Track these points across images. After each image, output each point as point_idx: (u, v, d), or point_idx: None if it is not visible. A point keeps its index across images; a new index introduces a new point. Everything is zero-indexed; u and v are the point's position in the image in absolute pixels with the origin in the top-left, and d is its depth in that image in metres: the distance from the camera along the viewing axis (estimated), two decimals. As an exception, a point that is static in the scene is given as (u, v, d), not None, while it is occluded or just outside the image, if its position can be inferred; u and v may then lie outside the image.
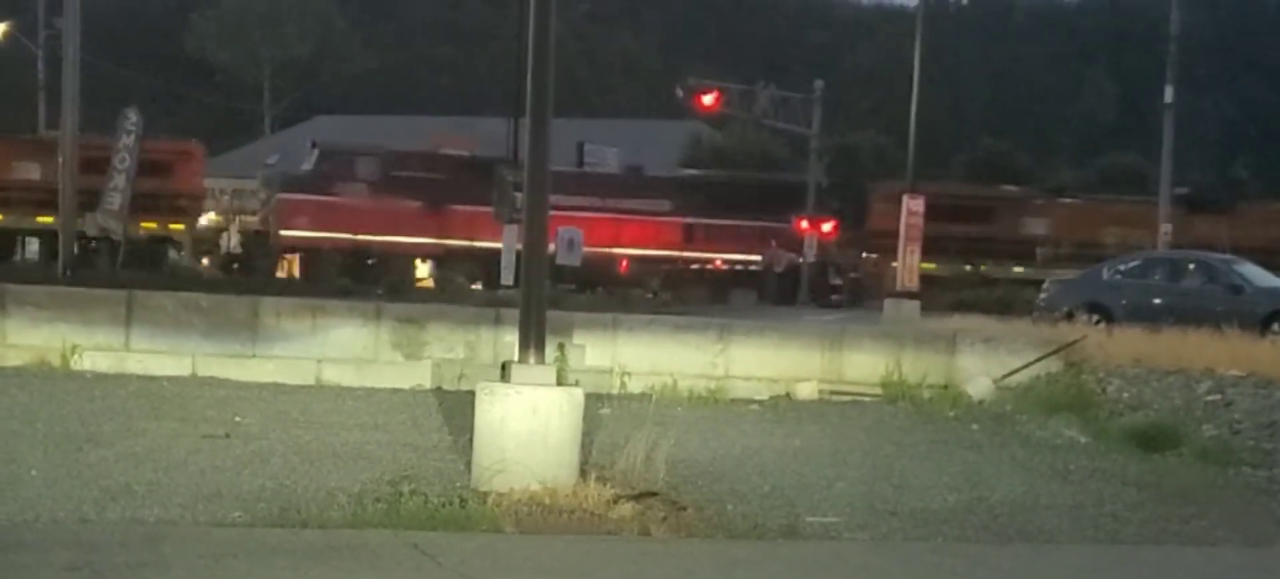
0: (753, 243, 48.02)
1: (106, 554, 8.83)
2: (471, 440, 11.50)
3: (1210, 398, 16.93)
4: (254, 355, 16.71)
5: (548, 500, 10.68)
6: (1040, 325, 23.58)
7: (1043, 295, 30.63)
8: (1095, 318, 26.27)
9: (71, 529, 9.57)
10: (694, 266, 48.87)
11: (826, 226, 50.68)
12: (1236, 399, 16.73)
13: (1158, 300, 27.35)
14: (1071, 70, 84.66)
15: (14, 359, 16.11)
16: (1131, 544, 11.32)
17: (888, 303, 33.06)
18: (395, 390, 16.23)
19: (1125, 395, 17.37)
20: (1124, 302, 27.72)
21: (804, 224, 50.41)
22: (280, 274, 47.16)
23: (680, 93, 53.86)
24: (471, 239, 46.29)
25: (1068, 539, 11.25)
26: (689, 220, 48.50)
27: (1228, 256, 29.96)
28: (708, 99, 53.70)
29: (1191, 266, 29.78)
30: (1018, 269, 47.72)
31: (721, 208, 48.26)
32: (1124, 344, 19.57)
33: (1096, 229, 47.43)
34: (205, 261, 47.68)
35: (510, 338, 13.78)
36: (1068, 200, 50.80)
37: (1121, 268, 29.92)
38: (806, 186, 51.60)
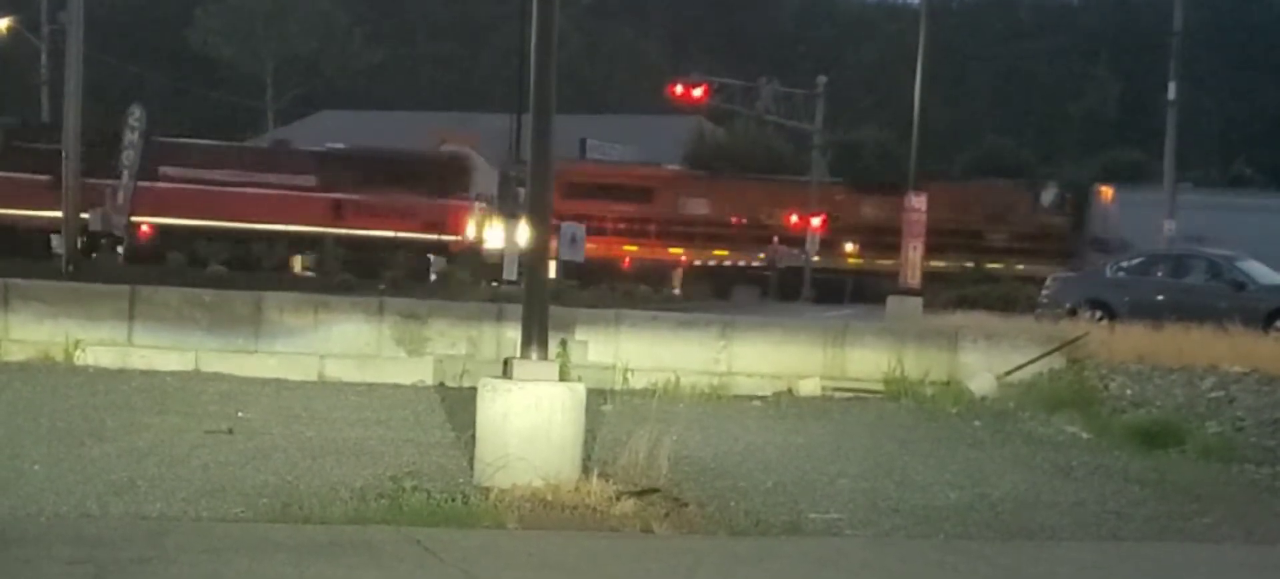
0: (406, 220, 46.76)
1: (109, 549, 8.83)
2: (474, 436, 11.50)
3: (1213, 395, 16.94)
4: (257, 351, 16.73)
5: (550, 497, 10.69)
6: (1043, 322, 23.60)
7: (1045, 292, 30.63)
8: (1098, 314, 26.30)
9: (75, 524, 9.57)
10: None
11: (816, 221, 50.65)
12: (1239, 396, 16.74)
13: (1160, 297, 27.36)
14: (1075, 67, 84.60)
15: (18, 354, 16.13)
16: (1134, 541, 11.32)
17: (890, 300, 32.96)
18: (397, 386, 16.24)
19: (1128, 392, 17.38)
20: (1126, 298, 27.73)
21: (793, 219, 50.45)
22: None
23: (679, 89, 53.92)
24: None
25: (1070, 536, 11.25)
26: (337, 196, 46.56)
27: (1230, 253, 29.93)
28: (697, 92, 53.82)
29: (1194, 263, 29.78)
30: (675, 250, 47.96)
31: (374, 183, 46.44)
32: (1126, 341, 19.58)
33: (757, 210, 47.55)
34: None
35: (512, 333, 13.79)
36: (727, 180, 50.65)
37: (1124, 265, 29.92)
38: (468, 163, 49.39)
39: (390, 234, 44.91)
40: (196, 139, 48.40)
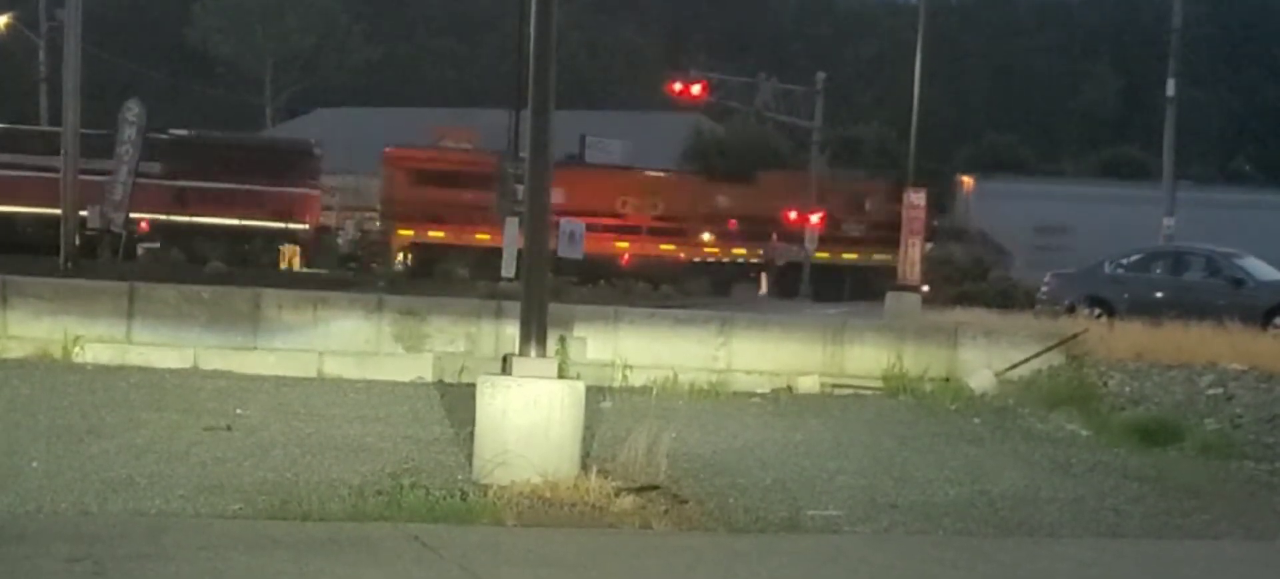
0: (252, 208, 45.66)
1: (108, 546, 8.83)
2: (472, 433, 11.50)
3: (1212, 391, 16.94)
4: (256, 348, 16.71)
5: (549, 493, 10.69)
6: (1042, 319, 23.60)
7: (1044, 289, 30.64)
8: (1097, 311, 26.31)
9: (73, 521, 9.57)
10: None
11: (815, 217, 50.56)
12: (1238, 393, 16.75)
13: (1159, 294, 27.38)
14: (1074, 63, 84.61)
15: (16, 351, 16.11)
16: (1133, 538, 11.32)
17: (889, 296, 33.00)
18: (396, 383, 16.23)
19: (1127, 389, 17.38)
20: (1125, 295, 27.75)
21: (792, 215, 50.38)
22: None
23: (677, 86, 53.91)
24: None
25: (1069, 533, 11.25)
26: (181, 184, 45.95)
27: (1229, 250, 29.94)
28: (695, 89, 53.80)
29: (1193, 260, 29.80)
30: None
31: (218, 170, 45.90)
32: (1125, 338, 19.59)
33: (613, 198, 47.32)
34: None
35: (511, 330, 13.78)
36: (580, 169, 49.61)
37: (1124, 261, 29.92)
38: (310, 151, 49.05)
39: (235, 222, 44.53)
40: (40, 127, 48.13)
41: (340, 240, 50.04)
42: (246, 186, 44.75)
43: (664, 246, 47.41)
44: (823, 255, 47.67)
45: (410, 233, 48.14)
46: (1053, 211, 48.52)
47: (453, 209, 47.50)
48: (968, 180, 52.11)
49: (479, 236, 46.77)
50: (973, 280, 43.62)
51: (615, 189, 48.15)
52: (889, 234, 47.86)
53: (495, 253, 45.61)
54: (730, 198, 47.61)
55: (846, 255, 47.85)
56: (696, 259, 47.44)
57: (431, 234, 47.65)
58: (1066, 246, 49.26)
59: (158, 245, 45.33)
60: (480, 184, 47.42)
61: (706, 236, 47.62)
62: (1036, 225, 48.33)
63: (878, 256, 46.84)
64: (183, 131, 49.23)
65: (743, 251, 47.49)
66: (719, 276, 46.29)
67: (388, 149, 50.17)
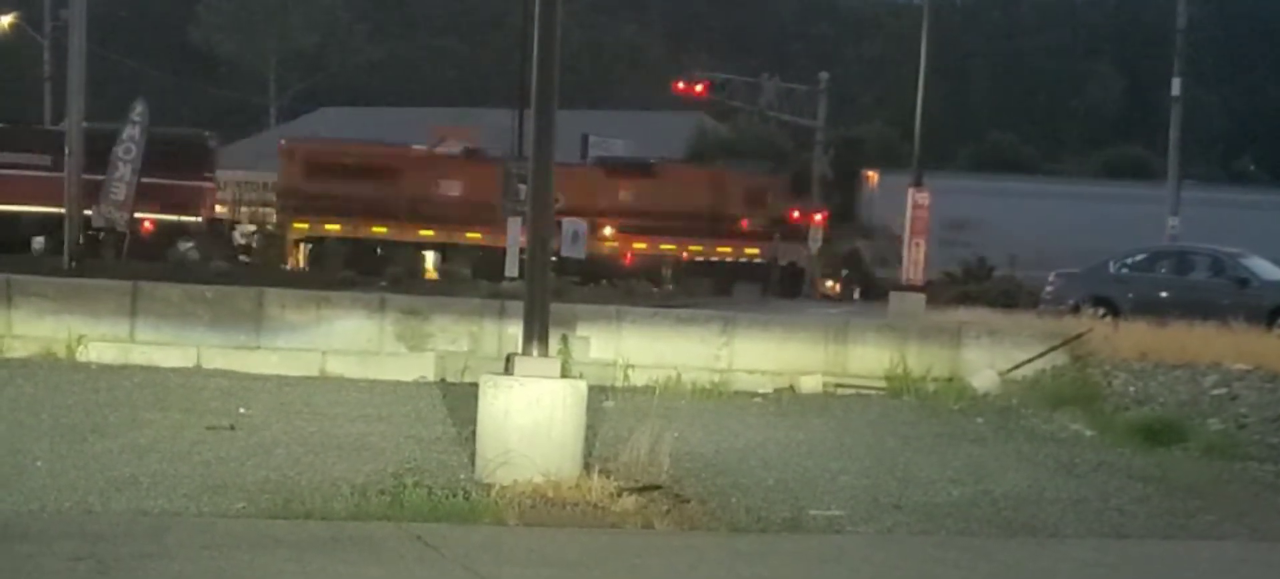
0: (145, 201, 44.37)
1: (111, 545, 8.83)
2: (475, 432, 11.49)
3: (1216, 392, 16.92)
4: (259, 347, 16.72)
5: (551, 493, 10.68)
6: (1046, 319, 23.58)
7: (1048, 288, 30.63)
8: (1101, 311, 26.28)
9: (76, 520, 9.57)
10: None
11: (818, 216, 50.54)
12: (1243, 393, 16.73)
13: (1164, 294, 27.36)
14: (1077, 63, 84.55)
15: (20, 350, 16.12)
16: (1137, 538, 11.30)
17: (893, 296, 33.01)
18: (399, 382, 16.23)
19: (1131, 389, 17.36)
20: (1130, 295, 27.72)
21: (796, 214, 50.34)
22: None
23: (681, 85, 53.90)
24: None
25: (1072, 533, 11.23)
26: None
27: (1234, 250, 29.92)
28: (698, 88, 53.75)
29: (1198, 260, 29.77)
30: (426, 233, 46.94)
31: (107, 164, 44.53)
32: (1130, 338, 19.57)
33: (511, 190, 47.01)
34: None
35: (514, 330, 13.78)
36: (479, 161, 49.40)
37: (1128, 261, 29.90)
38: (203, 143, 48.27)
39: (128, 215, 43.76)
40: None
41: (237, 234, 49.16)
42: (139, 179, 44.11)
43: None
44: (724, 250, 47.12)
45: (305, 226, 47.28)
46: (959, 206, 48.67)
47: (350, 203, 46.64)
48: (872, 175, 52.11)
49: (375, 230, 46.26)
50: (976, 281, 43.58)
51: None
52: (792, 230, 47.78)
53: (392, 246, 45.30)
54: (631, 190, 47.12)
55: (748, 251, 47.39)
56: (593, 252, 46.56)
57: (327, 228, 46.81)
58: (973, 242, 49.40)
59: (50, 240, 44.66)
60: (379, 178, 46.85)
61: (608, 230, 47.11)
62: (943, 220, 48.48)
63: (748, 252, 46.50)
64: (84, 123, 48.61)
65: (643, 245, 46.88)
66: (620, 271, 45.64)
67: (282, 140, 49.46)
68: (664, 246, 45.93)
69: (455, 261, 45.87)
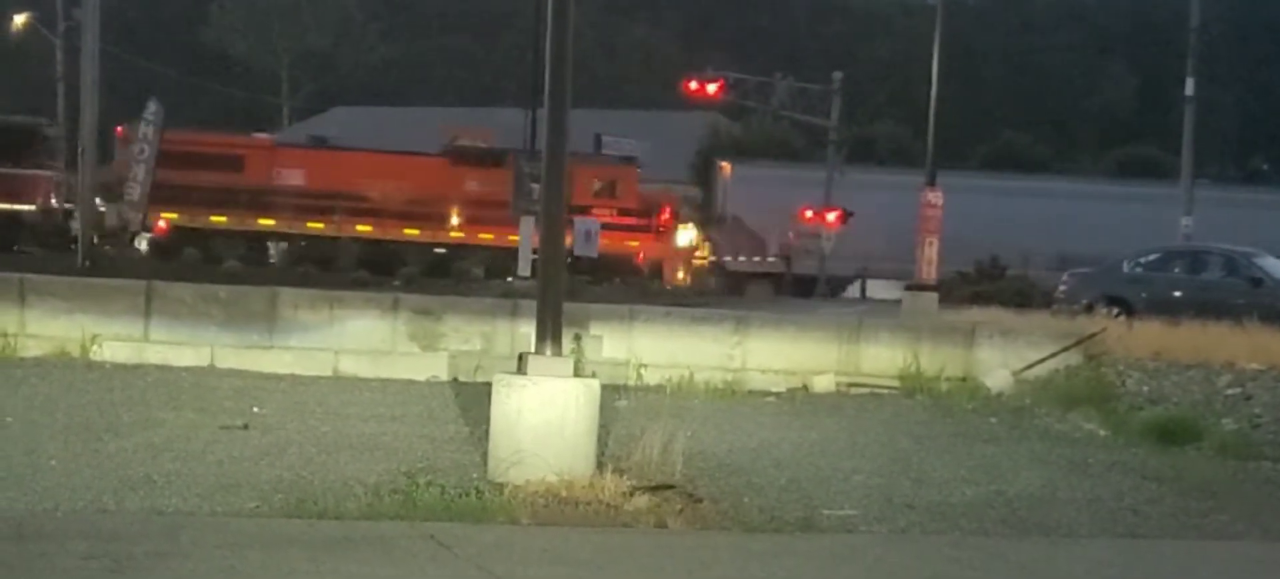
0: None
1: (125, 544, 8.85)
2: (488, 432, 11.50)
3: (1230, 391, 16.88)
4: (272, 346, 16.75)
5: (564, 492, 10.68)
6: (1059, 318, 23.54)
7: (1062, 288, 30.58)
8: (1115, 311, 26.22)
9: (91, 519, 9.59)
10: None
11: (831, 216, 50.41)
12: (1256, 393, 16.69)
13: (1177, 293, 27.28)
14: (1091, 62, 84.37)
15: (34, 349, 16.17)
16: (1151, 538, 11.28)
17: (906, 295, 32.97)
18: (412, 382, 16.26)
19: (1145, 389, 17.33)
20: (1143, 294, 27.65)
21: (808, 213, 50.25)
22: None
23: (694, 84, 53.79)
24: None
25: (1086, 533, 11.21)
26: None
27: (1248, 250, 29.85)
28: (712, 88, 53.61)
29: (1211, 259, 29.70)
30: (266, 222, 46.16)
31: None
32: (1143, 337, 19.53)
33: (356, 181, 46.24)
34: None
35: (527, 329, 13.79)
36: (327, 152, 48.92)
37: (1141, 261, 29.84)
38: (39, 132, 46.75)
39: None
40: None
41: (72, 224, 48.54)
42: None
43: (408, 231, 46.10)
44: (571, 242, 46.76)
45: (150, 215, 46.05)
46: (811, 198, 48.72)
47: (192, 192, 45.66)
48: (725, 166, 51.93)
49: (214, 219, 45.75)
50: (989, 280, 43.50)
51: (359, 172, 46.82)
52: (639, 221, 47.38)
53: (235, 236, 44.79)
54: (480, 182, 46.75)
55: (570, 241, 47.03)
56: (442, 243, 46.12)
57: (166, 216, 45.80)
58: (815, 231, 49.28)
59: None
60: (223, 167, 46.34)
61: (455, 221, 46.43)
62: (794, 211, 48.28)
63: (629, 244, 46.28)
64: None
65: (490, 236, 46.46)
66: (467, 262, 45.20)
67: (119, 127, 48.66)
68: (511, 238, 45.56)
69: (296, 252, 45.44)
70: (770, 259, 49.98)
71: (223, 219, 45.55)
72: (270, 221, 45.69)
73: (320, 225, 45.67)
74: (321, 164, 46.85)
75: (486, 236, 45.93)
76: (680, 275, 48.83)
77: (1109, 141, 74.22)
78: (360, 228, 45.80)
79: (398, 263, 43.98)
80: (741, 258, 50.29)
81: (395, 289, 25.56)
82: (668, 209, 48.68)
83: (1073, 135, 78.66)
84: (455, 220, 46.09)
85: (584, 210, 45.79)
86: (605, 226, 46.04)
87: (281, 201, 45.66)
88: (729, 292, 46.36)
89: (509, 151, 47.29)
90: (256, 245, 46.03)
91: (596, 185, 46.60)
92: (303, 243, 45.73)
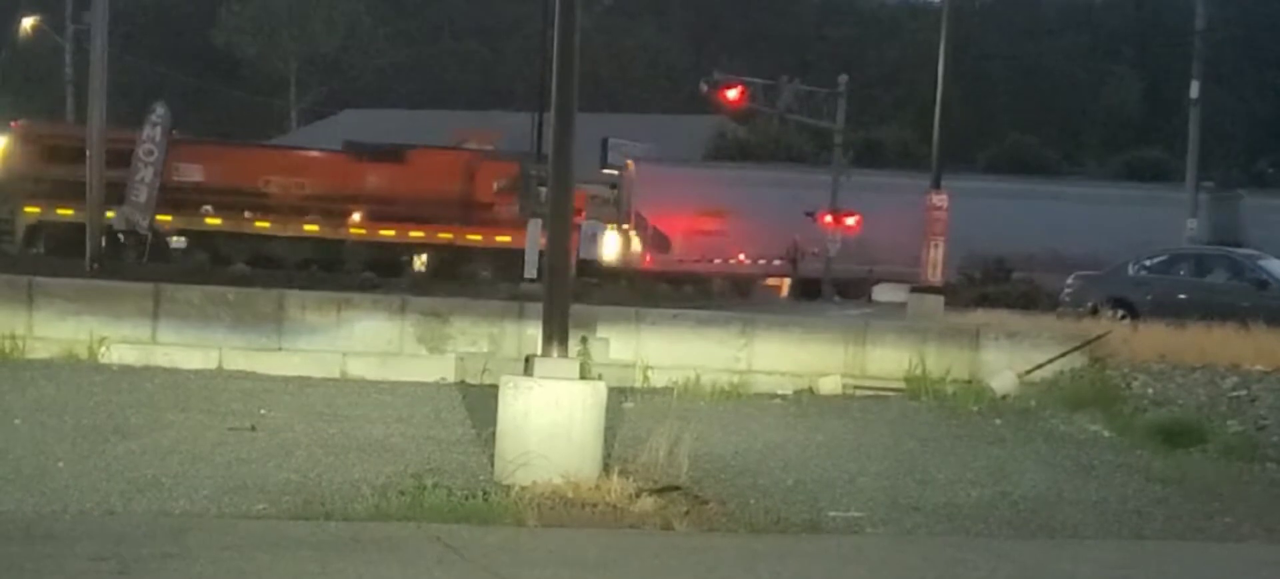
0: None
1: (133, 545, 8.89)
2: (495, 433, 11.53)
3: (1235, 394, 16.88)
4: (280, 348, 16.79)
5: (570, 494, 10.71)
6: (1064, 320, 23.54)
7: (1067, 290, 30.58)
8: (1120, 313, 26.21)
9: (98, 521, 9.63)
10: None
11: (850, 220, 50.41)
12: (1261, 395, 16.68)
13: (1183, 295, 27.26)
14: (1097, 65, 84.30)
15: (42, 352, 16.21)
16: (1156, 540, 11.30)
17: (911, 298, 32.96)
18: (419, 384, 16.28)
19: (1150, 391, 17.33)
20: (1149, 297, 27.63)
21: (827, 218, 50.22)
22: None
23: (704, 88, 53.71)
24: None
25: (1092, 534, 11.24)
26: None
27: (1253, 252, 29.84)
28: (732, 93, 53.46)
29: (1216, 262, 29.69)
30: (164, 217, 44.95)
31: None
32: (1149, 339, 19.52)
33: (254, 177, 45.55)
34: None
35: (534, 331, 13.80)
36: (225, 146, 48.63)
37: (1147, 263, 29.83)
38: None
39: None
40: None
41: None
42: None
43: (307, 227, 45.44)
44: (475, 237, 45.99)
45: (37, 210, 45.53)
46: (713, 196, 48.56)
47: (82, 188, 46.04)
48: (630, 163, 51.81)
49: (109, 215, 45.31)
50: (994, 282, 43.48)
51: (258, 167, 46.35)
52: (517, 217, 47.07)
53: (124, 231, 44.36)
54: (380, 177, 46.47)
55: (500, 238, 46.49)
56: (343, 239, 45.30)
57: (59, 212, 44.55)
58: (726, 232, 49.13)
59: None
60: (126, 163, 45.90)
61: (355, 217, 45.71)
62: (696, 209, 48.21)
63: (500, 239, 46.07)
64: None
65: (391, 233, 46.19)
66: (367, 257, 44.95)
67: (14, 122, 48.48)
68: (413, 234, 45.10)
69: (195, 248, 44.81)
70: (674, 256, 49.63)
71: (113, 215, 45.15)
72: (168, 217, 44.86)
73: (218, 221, 45.01)
74: (219, 159, 46.18)
75: (387, 233, 45.54)
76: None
77: (1115, 144, 74.17)
78: (258, 224, 45.39)
79: (296, 259, 43.44)
80: (658, 256, 50.00)
81: (403, 290, 25.55)
82: (577, 206, 48.30)
83: (1079, 138, 78.60)
84: (356, 216, 45.63)
85: (487, 207, 45.57)
86: (507, 223, 45.69)
87: (179, 197, 45.25)
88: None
89: (407, 148, 47.05)
90: (159, 241, 45.53)
91: (501, 183, 46.34)
92: (201, 238, 45.14)
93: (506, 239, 45.08)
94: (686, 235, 49.64)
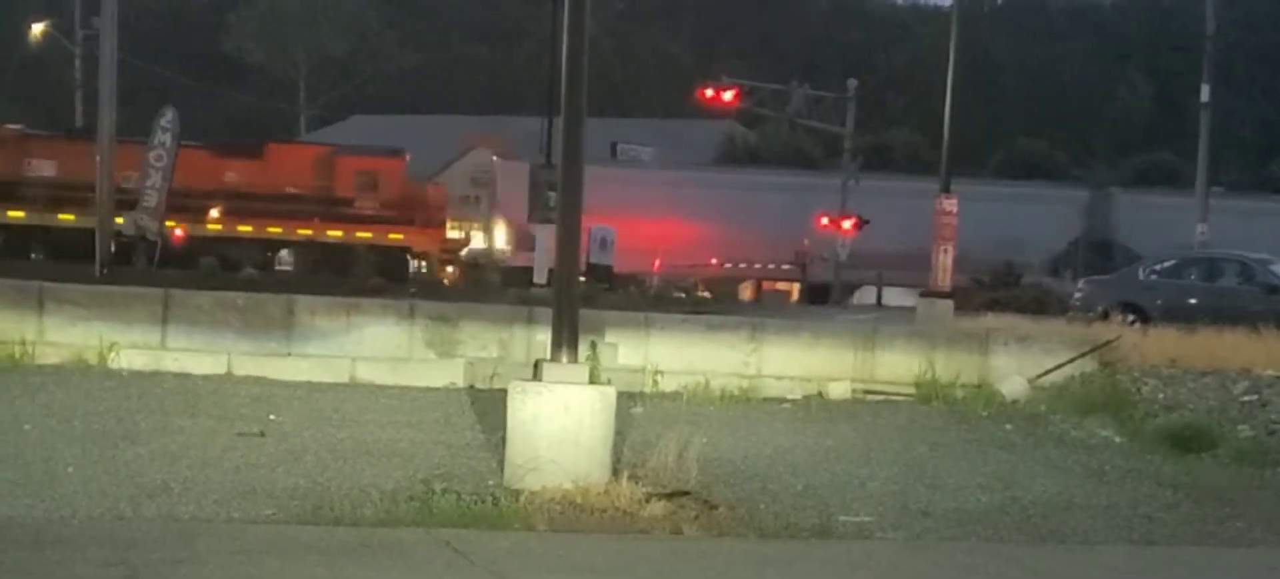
0: None
1: (142, 551, 8.89)
2: (504, 438, 11.53)
3: (1246, 398, 16.83)
4: (289, 354, 16.78)
5: (580, 499, 10.71)
6: (1075, 325, 23.48)
7: (1077, 295, 30.51)
8: (1130, 318, 26.14)
9: (108, 526, 9.63)
10: None
11: (847, 223, 50.41)
12: (1273, 400, 16.63)
13: (1193, 300, 27.18)
14: (1107, 69, 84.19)
15: (52, 357, 16.22)
16: (1167, 545, 11.28)
17: (921, 302, 32.92)
18: (428, 389, 16.27)
19: (1160, 396, 17.28)
20: (1159, 301, 27.57)
21: (825, 222, 50.23)
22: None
23: (709, 93, 53.78)
24: None
25: (1102, 540, 11.21)
26: None
27: (1264, 256, 29.76)
28: (727, 96, 53.53)
29: (1227, 266, 29.62)
30: (15, 213, 45.06)
31: None
32: (1159, 344, 19.47)
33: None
34: None
35: (543, 336, 13.81)
36: (79, 142, 46.22)
37: (1157, 267, 29.77)
38: None
39: None
40: None
41: None
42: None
43: (165, 223, 44.15)
44: (336, 233, 45.78)
45: None
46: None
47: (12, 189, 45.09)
48: (495, 160, 51.55)
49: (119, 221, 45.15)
50: (1004, 287, 43.46)
51: (115, 163, 46.72)
52: (402, 214, 46.82)
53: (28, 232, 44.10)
54: (238, 173, 46.06)
55: (360, 234, 46.02)
56: (201, 235, 44.82)
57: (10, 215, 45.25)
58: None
59: None
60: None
61: (213, 212, 45.23)
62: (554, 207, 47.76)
63: (392, 237, 45.70)
64: None
65: (249, 229, 45.83)
66: (224, 254, 44.47)
67: None
68: (271, 229, 44.75)
69: (49, 244, 44.15)
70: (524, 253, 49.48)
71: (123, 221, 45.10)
72: (20, 213, 44.61)
73: (71, 217, 44.13)
74: (74, 155, 45.22)
75: (245, 229, 45.28)
76: (449, 269, 48.60)
77: (1125, 149, 74.07)
78: (118, 219, 45.16)
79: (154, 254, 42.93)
80: (523, 252, 49.76)
81: (413, 295, 25.52)
82: (435, 203, 48.24)
83: (1089, 143, 78.49)
84: (214, 212, 45.23)
85: (346, 202, 45.38)
86: (367, 219, 45.61)
87: (33, 193, 44.94)
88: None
89: (264, 142, 46.77)
90: (14, 238, 45.09)
91: (358, 178, 46.14)
92: (56, 234, 44.71)
93: (367, 235, 44.91)
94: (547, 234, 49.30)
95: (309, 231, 45.01)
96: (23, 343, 16.26)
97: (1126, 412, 16.58)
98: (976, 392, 17.55)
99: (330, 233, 45.49)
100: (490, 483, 11.27)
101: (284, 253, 45.69)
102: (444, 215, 48.90)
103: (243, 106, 75.74)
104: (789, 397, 17.28)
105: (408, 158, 48.33)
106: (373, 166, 46.76)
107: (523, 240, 49.38)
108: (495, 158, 52.03)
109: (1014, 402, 17.36)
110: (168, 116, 44.14)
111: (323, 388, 15.88)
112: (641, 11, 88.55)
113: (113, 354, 16.31)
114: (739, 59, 73.47)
